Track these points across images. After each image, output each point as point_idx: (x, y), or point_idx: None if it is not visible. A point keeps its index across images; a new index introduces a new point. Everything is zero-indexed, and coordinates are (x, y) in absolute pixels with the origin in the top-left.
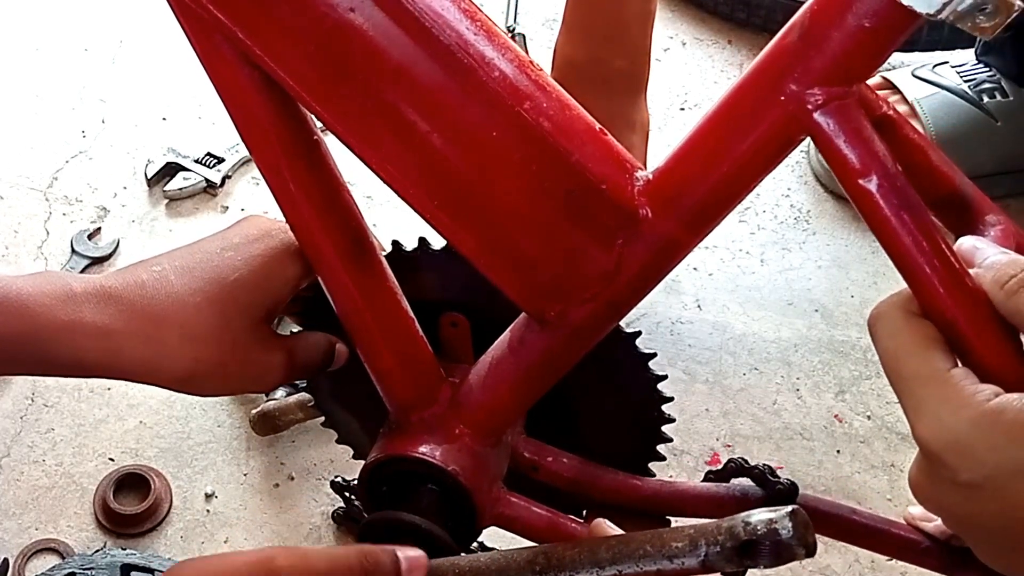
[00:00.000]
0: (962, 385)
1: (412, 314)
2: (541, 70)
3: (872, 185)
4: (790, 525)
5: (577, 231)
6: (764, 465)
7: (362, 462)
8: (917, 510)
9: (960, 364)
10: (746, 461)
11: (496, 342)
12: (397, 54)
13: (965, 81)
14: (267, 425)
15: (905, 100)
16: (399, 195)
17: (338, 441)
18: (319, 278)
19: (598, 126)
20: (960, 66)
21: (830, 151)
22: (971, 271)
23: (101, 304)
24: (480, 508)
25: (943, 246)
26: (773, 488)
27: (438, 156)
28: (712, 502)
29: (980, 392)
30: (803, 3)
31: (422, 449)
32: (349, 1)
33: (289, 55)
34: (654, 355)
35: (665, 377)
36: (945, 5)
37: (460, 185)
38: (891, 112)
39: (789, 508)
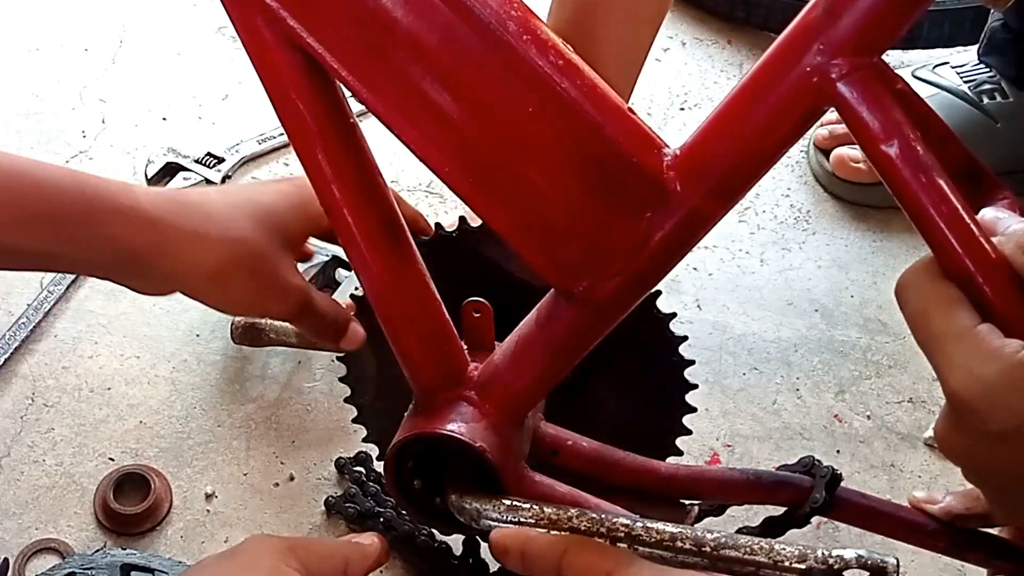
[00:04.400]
0: (989, 339)
1: (439, 297)
2: (572, 52)
3: (893, 151)
4: (894, 563)
5: (608, 204)
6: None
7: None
8: (921, 493)
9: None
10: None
11: (523, 321)
12: (439, 31)
13: (965, 82)
14: (249, 335)
15: None
16: (434, 172)
17: (347, 400)
18: (349, 259)
19: (627, 105)
20: (961, 67)
21: (853, 119)
22: (994, 239)
23: (154, 200)
24: (506, 486)
25: (962, 208)
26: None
27: (476, 131)
28: (727, 486)
29: (1008, 345)
30: (803, 3)
31: (450, 427)
32: None
33: (332, 34)
34: (674, 315)
35: (685, 338)
36: None
37: (496, 160)
38: (905, 88)
39: (894, 559)
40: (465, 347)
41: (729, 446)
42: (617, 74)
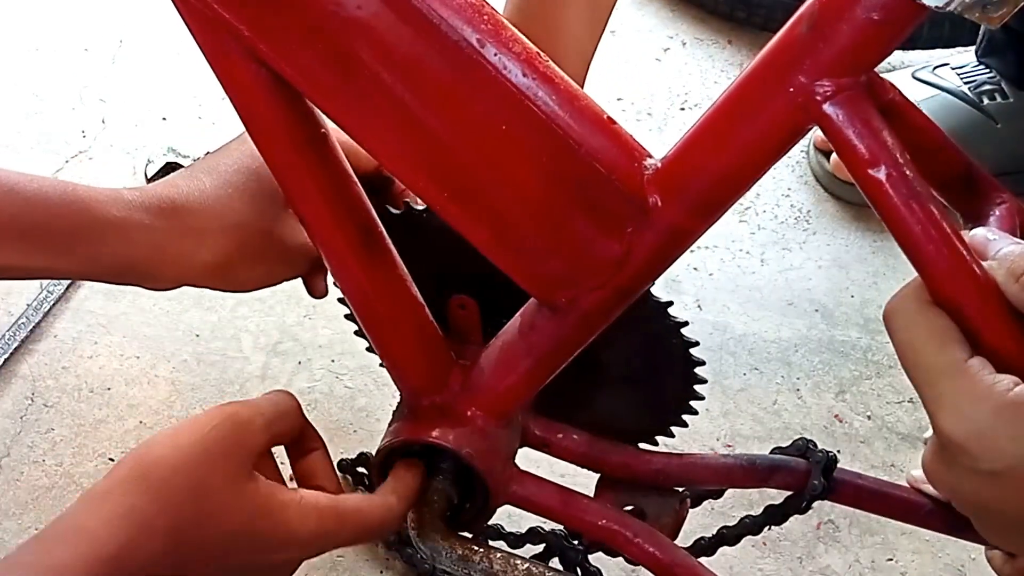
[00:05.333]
0: (981, 375)
1: (422, 300)
2: (549, 61)
3: (882, 175)
4: None
5: (588, 221)
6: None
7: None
8: (919, 473)
9: (975, 354)
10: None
11: (506, 326)
12: (404, 50)
13: (965, 83)
14: None
15: None
16: (408, 187)
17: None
18: (329, 269)
19: (606, 115)
20: (961, 68)
21: (839, 141)
22: (984, 263)
23: (146, 206)
24: (494, 489)
25: (952, 234)
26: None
27: (448, 151)
28: (721, 473)
29: (1000, 382)
30: (804, 1)
31: (435, 433)
32: None
33: (296, 53)
34: (671, 303)
35: (686, 323)
36: None
37: (471, 178)
38: (897, 97)
39: None
40: (451, 342)
41: (730, 446)
42: (575, 63)
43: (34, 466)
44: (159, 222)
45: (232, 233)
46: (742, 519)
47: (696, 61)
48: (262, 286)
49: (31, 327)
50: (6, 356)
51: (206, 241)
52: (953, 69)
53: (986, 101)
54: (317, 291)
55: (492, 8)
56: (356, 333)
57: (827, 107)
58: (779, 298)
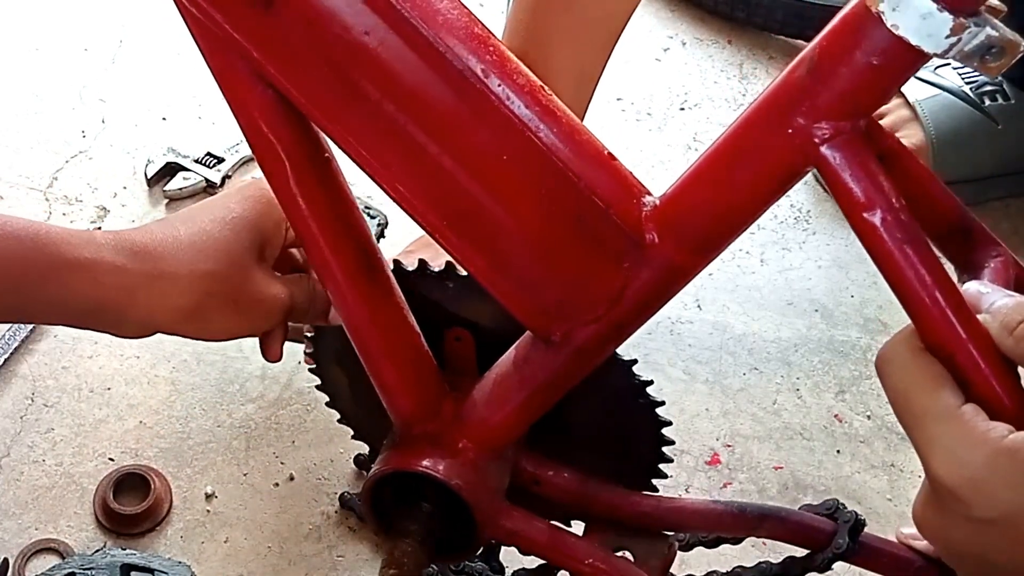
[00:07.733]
0: (975, 422)
1: (418, 329)
2: (552, 95)
3: (876, 219)
4: None
5: (584, 254)
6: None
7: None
8: (909, 529)
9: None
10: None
11: (501, 359)
12: (410, 77)
13: (967, 83)
14: None
15: (907, 102)
16: (409, 214)
17: (328, 404)
18: (327, 291)
19: (607, 151)
20: (962, 68)
21: (836, 184)
22: (979, 316)
23: (118, 248)
24: (481, 522)
25: (946, 281)
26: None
27: (448, 178)
28: (710, 519)
29: (994, 430)
30: (804, 2)
31: (425, 463)
32: (364, 24)
33: (303, 76)
34: (635, 362)
35: (651, 382)
36: (952, 46)
37: (469, 206)
38: (896, 145)
39: None
40: (446, 375)
41: (729, 446)
42: (569, 101)
43: (34, 466)
44: (131, 264)
45: (202, 281)
46: (758, 564)
47: (696, 61)
48: (233, 337)
49: (31, 327)
50: (6, 356)
51: (177, 286)
52: (955, 69)
53: (987, 102)
54: (271, 354)
55: (498, 40)
56: (310, 369)
57: (824, 149)
58: (779, 298)
